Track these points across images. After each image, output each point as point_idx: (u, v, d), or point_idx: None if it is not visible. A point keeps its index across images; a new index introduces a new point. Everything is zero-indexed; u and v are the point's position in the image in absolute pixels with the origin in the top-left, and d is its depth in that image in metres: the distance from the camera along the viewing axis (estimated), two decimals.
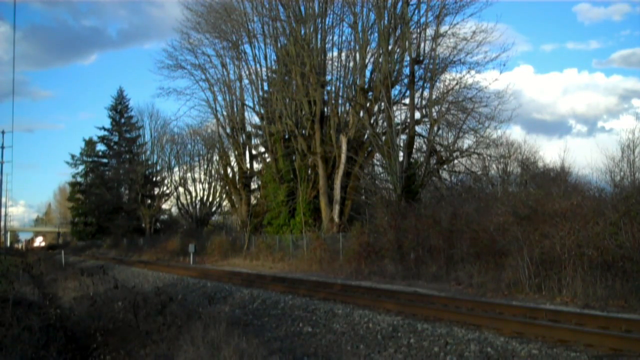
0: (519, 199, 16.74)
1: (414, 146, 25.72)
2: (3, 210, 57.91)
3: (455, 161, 26.82)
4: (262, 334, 9.78)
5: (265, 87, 35.49)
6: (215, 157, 45.99)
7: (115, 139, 58.46)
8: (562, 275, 12.81)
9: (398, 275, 17.77)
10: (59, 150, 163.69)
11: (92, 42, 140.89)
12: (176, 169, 54.13)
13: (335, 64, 30.55)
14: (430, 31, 25.42)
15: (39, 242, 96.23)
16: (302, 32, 29.83)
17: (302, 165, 30.90)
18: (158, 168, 56.56)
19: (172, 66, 37.28)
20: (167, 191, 56.03)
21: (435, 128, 25.87)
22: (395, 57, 26.10)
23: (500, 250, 15.02)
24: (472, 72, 24.69)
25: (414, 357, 7.86)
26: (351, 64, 28.93)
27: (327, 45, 30.47)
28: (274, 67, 34.48)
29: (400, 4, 25.42)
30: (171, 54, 37.47)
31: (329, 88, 30.36)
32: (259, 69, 34.91)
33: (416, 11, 25.59)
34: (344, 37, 30.68)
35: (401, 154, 24.09)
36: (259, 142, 39.90)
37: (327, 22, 30.05)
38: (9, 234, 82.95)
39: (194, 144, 51.03)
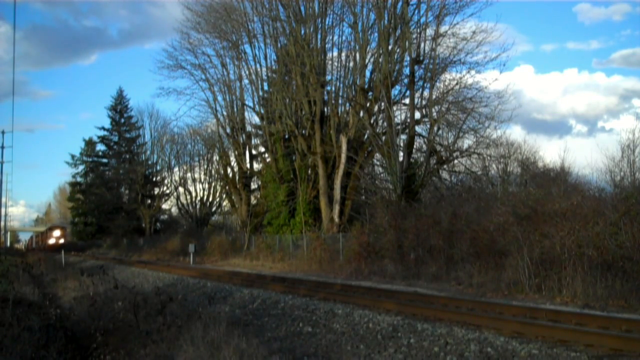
0: (519, 199, 16.74)
1: (414, 146, 25.72)
2: (3, 210, 57.51)
3: (455, 161, 26.82)
4: (262, 334, 9.78)
5: (265, 87, 35.57)
6: (215, 157, 46.05)
7: (115, 139, 58.48)
8: (562, 275, 12.81)
9: (398, 275, 17.77)
10: (59, 150, 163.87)
11: (92, 42, 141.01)
12: (176, 169, 54.30)
13: (335, 64, 30.62)
14: (430, 31, 25.47)
15: (55, 237, 66.75)
16: (302, 32, 29.83)
17: (302, 165, 30.92)
18: (158, 168, 56.71)
19: (172, 66, 37.33)
20: (167, 191, 56.13)
21: (435, 128, 25.87)
22: (395, 57, 26.10)
23: (500, 250, 15.02)
24: (472, 72, 24.71)
25: (414, 357, 7.86)
26: (351, 64, 28.96)
27: (327, 45, 30.53)
28: (274, 67, 34.51)
29: (400, 4, 25.42)
30: (171, 54, 37.54)
31: (329, 88, 30.38)
32: (259, 69, 34.98)
33: (416, 11, 25.64)
34: (344, 37, 30.78)
35: (401, 154, 24.09)
36: (259, 142, 39.95)
37: (327, 22, 30.12)
38: (9, 234, 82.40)
39: (194, 144, 51.21)
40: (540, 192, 16.74)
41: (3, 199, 56.81)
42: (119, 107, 57.97)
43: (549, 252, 13.60)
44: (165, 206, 58.00)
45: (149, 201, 55.43)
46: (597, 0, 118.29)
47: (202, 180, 51.25)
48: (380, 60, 26.11)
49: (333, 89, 30.45)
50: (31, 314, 11.42)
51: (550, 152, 41.21)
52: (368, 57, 27.89)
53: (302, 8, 29.94)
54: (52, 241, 65.10)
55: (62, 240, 65.17)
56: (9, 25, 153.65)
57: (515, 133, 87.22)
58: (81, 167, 59.42)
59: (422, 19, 25.53)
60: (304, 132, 30.88)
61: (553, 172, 23.11)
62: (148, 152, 56.99)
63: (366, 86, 27.84)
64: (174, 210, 57.34)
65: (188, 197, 51.65)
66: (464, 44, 24.66)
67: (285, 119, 30.93)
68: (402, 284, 16.34)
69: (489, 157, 26.33)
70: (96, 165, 59.90)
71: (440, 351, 7.86)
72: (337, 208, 27.23)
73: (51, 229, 70.71)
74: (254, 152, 39.79)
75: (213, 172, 49.53)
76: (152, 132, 56.20)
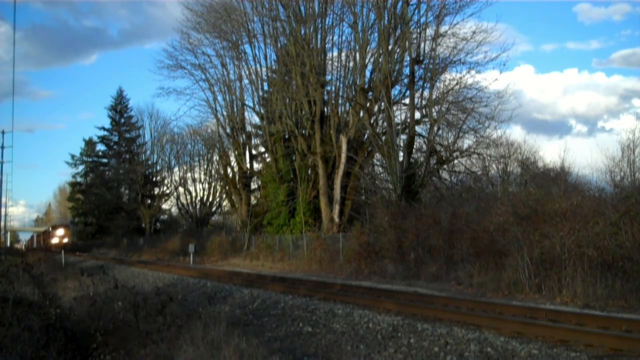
0: (519, 199, 16.74)
1: (414, 146, 25.72)
2: (3, 210, 57.22)
3: (455, 161, 26.82)
4: (262, 334, 9.77)
5: (265, 87, 35.57)
6: (215, 157, 46.06)
7: (115, 139, 58.50)
8: (562, 275, 12.81)
9: (398, 275, 17.77)
10: (59, 150, 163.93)
11: (92, 42, 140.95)
12: (176, 169, 54.30)
13: (335, 64, 30.62)
14: (430, 31, 25.46)
15: (59, 236, 60.59)
16: (302, 32, 29.84)
17: (302, 165, 30.91)
18: (158, 168, 56.72)
19: (172, 66, 37.35)
20: (167, 191, 56.13)
21: (435, 128, 25.87)
22: (395, 57, 26.10)
23: (500, 250, 15.02)
24: (472, 72, 24.70)
25: (414, 357, 7.86)
26: (351, 64, 28.96)
27: (327, 45, 30.54)
28: (274, 67, 34.52)
29: (400, 4, 25.43)
30: (171, 54, 37.56)
31: (329, 88, 30.38)
32: (259, 69, 34.99)
33: (416, 11, 25.63)
34: (344, 37, 30.78)
35: (401, 154, 24.08)
36: (259, 142, 39.95)
37: (327, 22, 30.13)
38: (9, 234, 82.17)
39: (194, 144, 51.20)
40: (540, 192, 16.74)
41: (3, 199, 56.54)
42: (119, 107, 57.97)
43: (549, 252, 13.60)
44: (165, 206, 58.04)
45: (149, 201, 55.43)
46: (597, 0, 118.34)
47: (202, 180, 51.31)
48: (380, 60, 26.10)
49: (333, 89, 30.49)
50: (31, 314, 11.42)
51: (550, 152, 41.28)
52: (368, 57, 27.89)
53: (302, 8, 29.95)
54: (55, 241, 60.36)
55: (66, 240, 60.50)
56: (9, 25, 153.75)
57: (515, 133, 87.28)
58: (81, 167, 59.52)
59: (422, 19, 25.56)
60: (304, 132, 30.88)
61: (553, 172, 23.09)
62: (148, 152, 57.09)
63: (366, 86, 27.84)
64: (174, 210, 57.42)
65: (188, 197, 51.70)
66: (464, 44, 24.68)
67: (285, 119, 30.93)
68: (402, 284, 16.34)
69: (489, 157, 26.35)
70: (96, 165, 59.90)
71: (440, 351, 7.86)
72: (337, 208, 27.23)
73: (54, 227, 64.98)
74: (254, 152, 39.80)
75: (213, 172, 49.56)
76: (152, 132, 56.30)
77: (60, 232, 62.06)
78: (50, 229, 66.70)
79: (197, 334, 8.43)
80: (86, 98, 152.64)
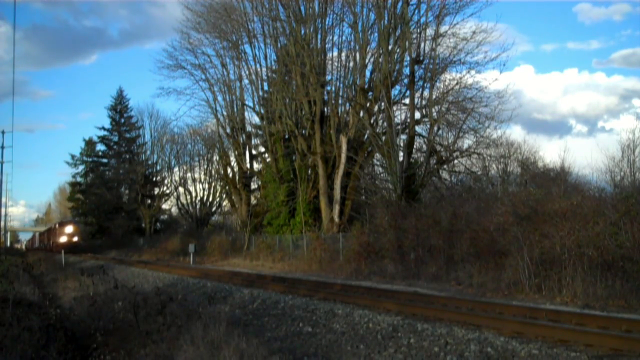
0: (519, 199, 16.74)
1: (414, 146, 25.73)
2: (3, 210, 56.81)
3: (455, 161, 26.82)
4: (262, 334, 9.77)
5: (265, 87, 35.59)
6: (215, 157, 46.09)
7: (115, 139, 58.46)
8: (562, 275, 12.81)
9: (398, 275, 17.76)
10: (59, 150, 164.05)
11: (92, 42, 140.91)
12: (176, 169, 54.33)
13: (335, 64, 30.63)
14: (430, 31, 25.48)
15: (67, 234, 53.22)
16: (302, 32, 29.84)
17: (302, 165, 30.92)
18: (158, 168, 56.75)
19: (172, 66, 37.38)
20: (167, 191, 56.15)
21: (435, 128, 25.89)
22: (395, 57, 26.10)
23: (500, 250, 15.02)
24: (472, 72, 24.71)
25: (414, 357, 7.86)
26: (351, 64, 28.97)
27: (327, 45, 30.54)
28: (274, 67, 34.52)
29: (400, 4, 25.43)
30: (171, 54, 37.58)
31: (329, 88, 30.38)
32: (259, 69, 35.01)
33: (416, 11, 25.65)
34: (344, 37, 30.78)
35: (401, 154, 24.09)
36: (259, 142, 39.98)
37: (327, 22, 30.12)
38: (9, 234, 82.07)
39: (194, 144, 51.24)
40: (540, 192, 16.74)
41: (3, 199, 56.18)
42: (119, 107, 57.93)
43: (549, 252, 13.60)
44: (165, 206, 58.04)
45: (149, 201, 55.43)
46: (597, 0, 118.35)
47: (202, 180, 51.32)
48: (380, 60, 26.10)
49: (333, 89, 30.49)
50: (31, 314, 11.43)
51: (550, 152, 41.35)
52: (368, 57, 27.89)
53: (302, 8, 29.95)
54: (63, 239, 52.44)
55: (75, 238, 53.56)
56: (9, 25, 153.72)
57: (515, 133, 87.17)
58: (81, 167, 59.39)
59: (422, 19, 25.59)
60: (304, 132, 30.88)
61: (553, 172, 23.12)
62: (148, 152, 57.10)
63: (366, 86, 27.83)
64: (174, 210, 57.42)
65: (188, 197, 51.73)
66: (464, 44, 24.69)
67: (285, 119, 30.94)
68: (402, 284, 16.34)
69: (489, 157, 26.37)
70: (96, 165, 59.86)
71: (440, 351, 7.86)
72: (337, 208, 27.23)
73: (62, 224, 56.91)
74: (254, 152, 39.82)
75: (213, 172, 49.59)
76: (152, 132, 56.32)
77: (69, 229, 54.28)
78: (56, 226, 59.02)
79: (197, 334, 8.43)
80: (86, 98, 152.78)
